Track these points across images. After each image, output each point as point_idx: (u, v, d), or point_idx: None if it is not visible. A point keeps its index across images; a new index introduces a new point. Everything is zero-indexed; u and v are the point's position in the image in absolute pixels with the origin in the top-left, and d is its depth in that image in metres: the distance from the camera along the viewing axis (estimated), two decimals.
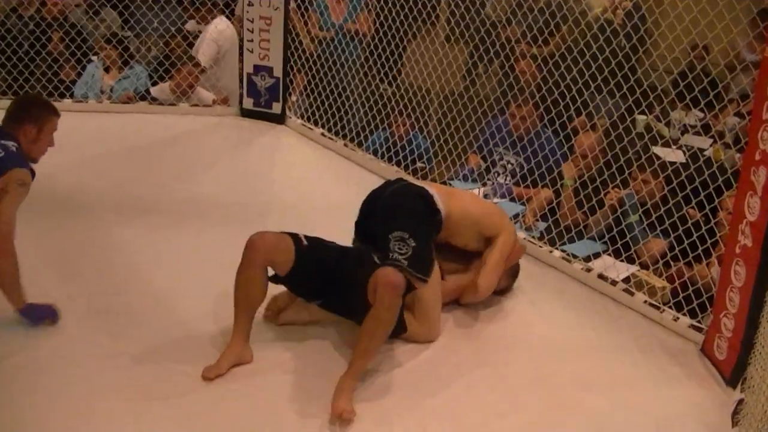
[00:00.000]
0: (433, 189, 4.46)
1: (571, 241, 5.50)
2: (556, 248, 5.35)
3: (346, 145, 7.07)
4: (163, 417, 3.56)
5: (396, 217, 4.20)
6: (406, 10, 6.78)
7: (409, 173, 6.44)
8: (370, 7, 7.78)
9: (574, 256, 5.24)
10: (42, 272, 4.65)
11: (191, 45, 8.42)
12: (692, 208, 5.03)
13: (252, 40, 7.56)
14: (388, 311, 3.77)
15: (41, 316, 4.21)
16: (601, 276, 5.01)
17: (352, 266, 4.11)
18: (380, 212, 4.32)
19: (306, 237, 4.16)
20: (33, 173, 4.31)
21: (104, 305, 4.39)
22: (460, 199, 4.59)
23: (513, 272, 4.84)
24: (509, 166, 6.50)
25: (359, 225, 4.44)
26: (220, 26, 8.33)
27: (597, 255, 5.29)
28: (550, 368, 4.16)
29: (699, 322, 4.56)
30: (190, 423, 3.56)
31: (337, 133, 7.28)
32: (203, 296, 4.48)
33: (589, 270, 5.07)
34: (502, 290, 4.80)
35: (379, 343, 3.84)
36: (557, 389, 3.98)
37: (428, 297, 4.27)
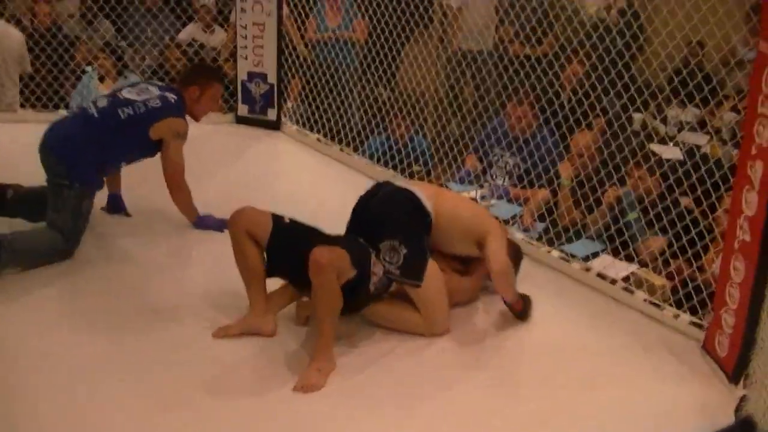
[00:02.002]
0: (420, 191, 4.45)
1: (570, 240, 5.49)
2: (555, 248, 5.33)
3: (342, 150, 7.06)
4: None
5: (385, 225, 4.24)
6: (399, 12, 6.79)
7: (406, 176, 6.42)
8: (364, 11, 7.75)
9: (573, 256, 5.23)
10: (45, 281, 4.68)
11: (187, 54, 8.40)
12: (688, 198, 5.03)
13: (246, 47, 7.56)
14: (320, 289, 3.83)
15: (213, 225, 5.31)
16: (600, 275, 4.99)
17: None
18: (369, 220, 4.35)
19: (292, 220, 4.31)
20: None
21: (107, 316, 4.36)
22: (449, 200, 4.59)
23: (515, 255, 4.78)
24: (507, 166, 6.50)
25: (350, 231, 4.43)
26: None
27: (596, 254, 5.27)
28: (552, 369, 4.14)
29: (700, 318, 4.55)
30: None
31: (332, 138, 7.27)
32: (207, 305, 4.47)
33: (588, 269, 5.06)
34: None
35: (327, 319, 3.89)
36: (559, 390, 3.95)
37: (427, 293, 4.27)
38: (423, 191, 4.46)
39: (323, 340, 3.91)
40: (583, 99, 5.60)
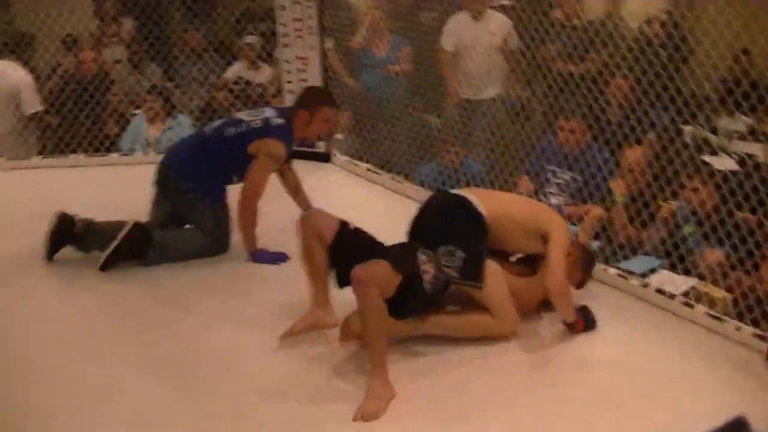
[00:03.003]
0: (472, 195, 4.58)
1: (627, 257, 5.46)
2: (612, 266, 5.31)
3: (393, 178, 7.08)
4: None
5: (440, 232, 4.40)
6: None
7: None
8: (408, 41, 7.79)
9: (631, 273, 5.21)
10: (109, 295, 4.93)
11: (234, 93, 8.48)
12: (746, 212, 4.99)
13: (291, 82, 7.61)
14: (363, 305, 3.95)
15: (269, 259, 5.37)
16: (659, 291, 4.97)
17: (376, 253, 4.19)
18: (426, 230, 4.49)
19: (357, 228, 4.48)
20: (290, 148, 5.53)
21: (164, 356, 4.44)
22: (499, 201, 4.72)
23: (586, 264, 4.85)
24: (562, 182, 6.47)
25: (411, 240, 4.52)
26: None
27: (653, 270, 5.24)
28: (614, 387, 4.14)
29: (763, 330, 4.51)
30: None
31: (382, 167, 7.29)
32: (263, 342, 4.53)
33: (646, 286, 5.04)
34: (579, 284, 4.84)
35: (372, 334, 3.98)
36: (623, 407, 3.95)
37: (492, 291, 4.38)
38: (475, 195, 4.60)
39: (375, 362, 3.98)
40: (630, 114, 5.59)
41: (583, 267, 4.82)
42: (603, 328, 4.66)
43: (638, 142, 5.84)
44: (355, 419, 3.82)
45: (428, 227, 4.51)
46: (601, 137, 6.03)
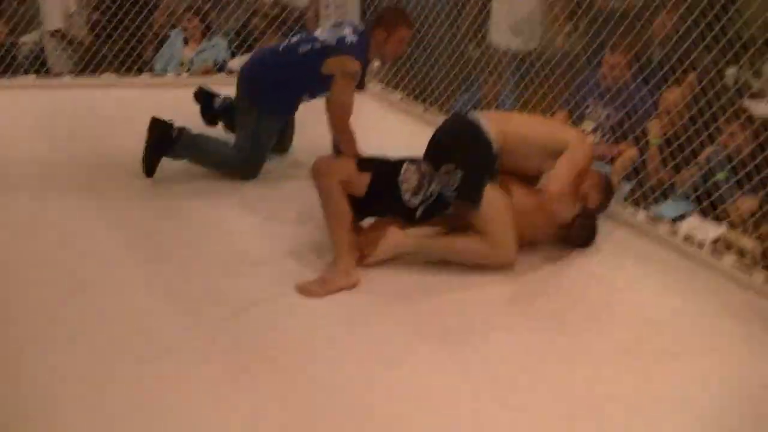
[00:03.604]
0: (485, 118, 4.58)
1: (656, 201, 5.32)
2: (642, 209, 5.17)
3: (426, 110, 6.95)
4: None
5: (444, 151, 4.48)
6: None
7: None
8: None
9: (661, 218, 5.07)
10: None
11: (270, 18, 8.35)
12: None
13: (328, 6, 7.47)
14: (319, 193, 4.36)
15: None
16: (687, 238, 4.83)
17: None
18: (433, 149, 4.56)
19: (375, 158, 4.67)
20: (365, 67, 5.46)
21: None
22: (514, 123, 4.74)
23: (605, 188, 4.79)
24: (599, 117, 6.31)
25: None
26: None
27: (682, 216, 5.10)
28: (636, 337, 4.00)
29: None
30: None
31: (416, 98, 7.16)
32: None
33: (675, 232, 4.90)
34: (597, 209, 4.78)
35: (330, 223, 4.34)
36: (644, 360, 3.82)
37: (488, 219, 4.38)
38: (489, 118, 4.61)
39: (334, 251, 4.25)
40: (672, 53, 5.42)
41: (602, 192, 4.77)
42: (627, 274, 4.59)
43: (678, 82, 5.67)
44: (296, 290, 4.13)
45: (436, 147, 4.56)
46: (640, 76, 5.85)
